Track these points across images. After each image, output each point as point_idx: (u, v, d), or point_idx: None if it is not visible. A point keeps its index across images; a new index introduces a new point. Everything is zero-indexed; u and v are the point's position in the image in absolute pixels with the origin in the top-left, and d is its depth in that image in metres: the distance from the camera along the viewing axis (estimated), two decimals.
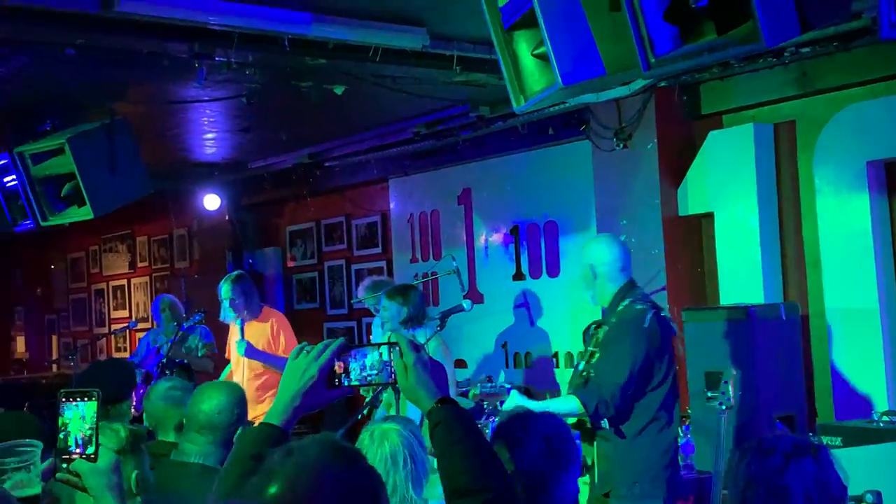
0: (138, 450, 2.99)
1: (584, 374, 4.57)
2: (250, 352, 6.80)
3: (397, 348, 2.28)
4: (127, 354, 12.13)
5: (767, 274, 6.38)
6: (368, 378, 2.30)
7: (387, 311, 6.11)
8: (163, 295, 8.70)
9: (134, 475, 2.92)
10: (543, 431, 2.58)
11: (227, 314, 7.01)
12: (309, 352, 2.30)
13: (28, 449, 2.27)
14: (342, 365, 2.29)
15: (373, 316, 7.54)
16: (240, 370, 7.01)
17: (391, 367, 2.28)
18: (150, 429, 4.17)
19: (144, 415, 4.30)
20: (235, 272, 7.32)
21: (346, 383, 2.29)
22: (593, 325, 4.76)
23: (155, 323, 8.60)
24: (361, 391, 7.28)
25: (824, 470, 2.44)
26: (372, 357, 2.30)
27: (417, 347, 2.30)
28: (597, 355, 4.57)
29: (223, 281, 7.05)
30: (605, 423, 4.44)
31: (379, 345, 2.30)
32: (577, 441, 2.78)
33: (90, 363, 11.25)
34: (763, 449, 2.50)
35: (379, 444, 3.08)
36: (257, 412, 6.69)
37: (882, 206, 6.00)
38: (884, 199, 6.02)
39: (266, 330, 7.07)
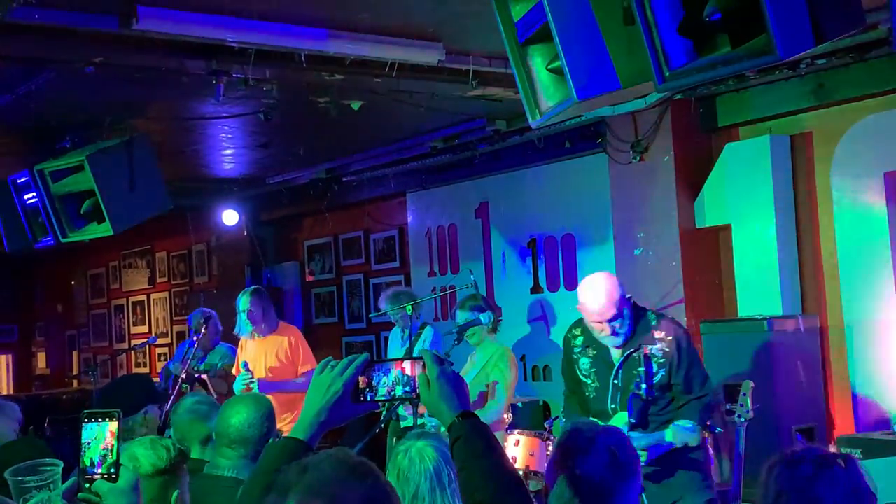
0: (181, 469, 3.02)
1: (646, 396, 4.66)
2: (264, 387, 6.73)
3: (421, 362, 2.30)
4: (146, 370, 12.20)
5: (785, 285, 6.36)
6: (393, 392, 2.32)
7: (458, 317, 6.36)
8: (201, 308, 8.68)
9: (175, 495, 2.95)
10: (609, 443, 2.59)
11: (242, 327, 7.02)
12: (333, 367, 2.32)
13: (48, 468, 2.29)
14: (366, 380, 2.31)
15: (391, 327, 7.56)
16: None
17: (415, 381, 2.30)
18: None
19: (171, 429, 4.32)
20: (253, 286, 7.36)
21: (370, 398, 2.31)
22: (629, 351, 4.73)
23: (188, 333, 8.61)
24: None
25: (854, 478, 2.45)
26: (396, 371, 2.32)
27: (441, 361, 2.32)
28: (661, 374, 4.64)
29: (242, 293, 7.08)
30: (718, 429, 4.71)
31: (402, 359, 2.33)
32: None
33: (111, 379, 11.33)
34: (791, 460, 2.50)
35: (420, 461, 3.06)
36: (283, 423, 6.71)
37: None
38: None
39: (284, 343, 7.07)
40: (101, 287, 13.84)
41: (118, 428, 2.23)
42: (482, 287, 8.36)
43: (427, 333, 7.00)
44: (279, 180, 9.79)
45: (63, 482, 2.31)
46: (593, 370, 4.86)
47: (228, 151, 8.54)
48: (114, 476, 2.21)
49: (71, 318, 14.52)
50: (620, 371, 4.73)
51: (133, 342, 12.50)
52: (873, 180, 5.96)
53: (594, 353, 4.85)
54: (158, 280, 12.59)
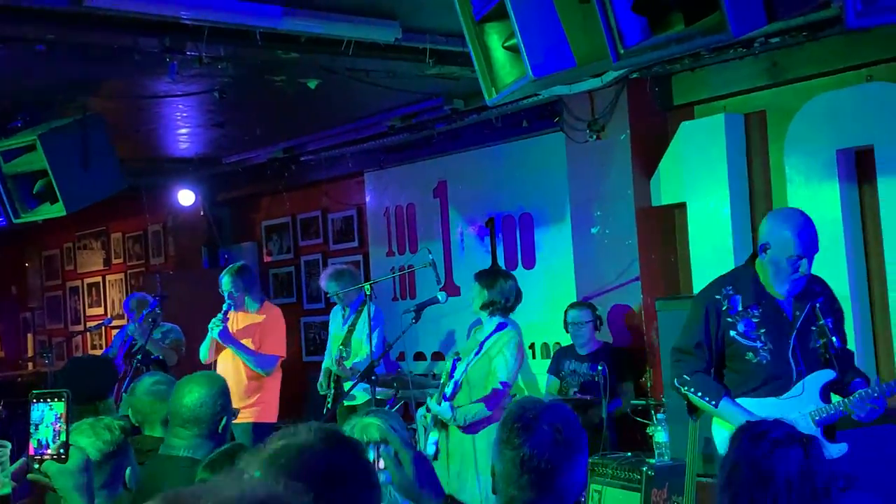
0: (128, 445, 3.01)
1: (839, 349, 4.28)
2: (224, 335, 6.79)
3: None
4: (102, 351, 12.08)
5: (739, 262, 6.40)
6: None
7: (471, 292, 5.86)
8: (133, 294, 8.68)
9: (128, 471, 2.94)
10: (553, 420, 2.60)
11: (224, 308, 7.03)
12: None
13: None
14: None
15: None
16: (228, 366, 7.00)
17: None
18: (136, 424, 4.17)
19: (130, 410, 4.29)
20: (238, 264, 7.27)
21: None
22: (810, 302, 4.29)
23: (127, 318, 8.59)
24: (321, 390, 7.32)
25: (812, 461, 2.49)
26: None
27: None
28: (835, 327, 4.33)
29: (224, 272, 7.04)
30: None
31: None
32: None
33: (68, 360, 11.20)
34: (755, 434, 2.57)
35: (363, 437, 3.07)
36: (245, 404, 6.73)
37: (852, 194, 6.07)
38: (853, 187, 6.08)
39: (257, 318, 7.09)
40: (55, 268, 13.68)
41: (67, 408, 2.22)
42: (441, 267, 8.37)
43: (367, 309, 6.96)
44: (236, 160, 9.72)
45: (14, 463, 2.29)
46: (762, 330, 4.24)
47: (184, 130, 8.46)
48: (63, 456, 2.20)
49: (25, 299, 14.34)
50: (798, 326, 4.24)
51: (88, 324, 12.36)
52: (826, 157, 6.03)
53: (760, 310, 4.26)
54: (114, 261, 12.47)
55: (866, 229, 6.09)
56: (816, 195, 6.10)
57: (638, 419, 6.16)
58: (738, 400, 4.25)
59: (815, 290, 4.32)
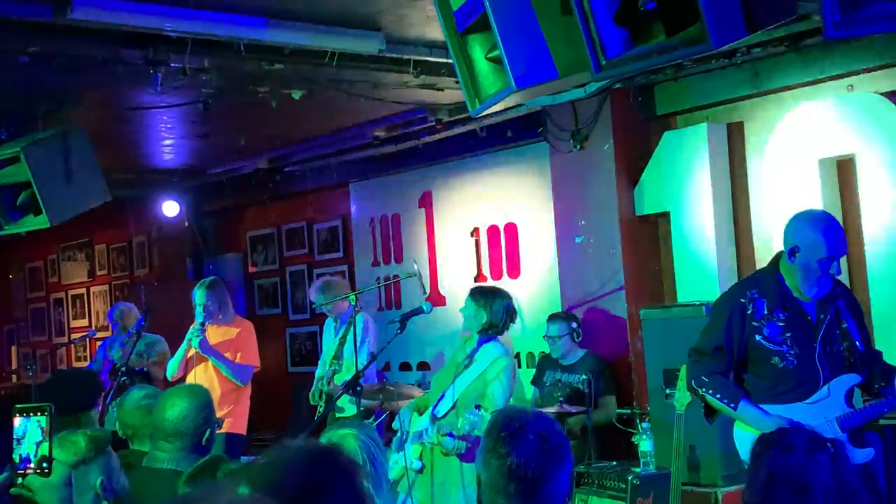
0: (102, 454, 2.99)
1: (862, 352, 4.27)
2: (204, 346, 6.77)
3: None
4: (87, 363, 12.04)
5: (723, 271, 6.46)
6: None
7: (465, 310, 5.66)
8: (118, 303, 8.65)
9: (98, 482, 2.92)
10: (538, 429, 2.62)
11: (198, 319, 7.00)
12: None
13: None
14: None
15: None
16: (201, 380, 6.96)
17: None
18: (124, 438, 4.15)
19: (118, 424, 4.27)
20: (210, 278, 7.26)
21: None
22: (833, 305, 4.25)
23: (112, 331, 8.57)
24: (311, 400, 7.30)
25: (841, 463, 2.50)
26: None
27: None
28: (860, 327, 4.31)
29: (197, 286, 7.01)
30: None
31: None
32: None
33: (52, 373, 11.16)
34: (783, 445, 2.54)
35: None
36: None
37: (834, 204, 6.09)
38: (835, 196, 6.11)
39: (232, 333, 7.06)
40: (39, 280, 13.62)
41: (49, 422, 2.21)
42: (426, 277, 8.38)
43: (359, 321, 6.95)
44: (220, 171, 9.71)
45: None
46: (788, 335, 4.20)
47: (168, 142, 8.45)
48: (46, 470, 2.20)
49: (9, 311, 14.27)
50: (823, 329, 4.19)
51: (73, 336, 12.32)
52: (808, 167, 6.07)
53: (786, 314, 4.21)
54: (98, 273, 12.42)
55: (848, 239, 6.11)
56: (798, 204, 6.12)
57: (623, 428, 6.17)
58: (763, 405, 4.20)
59: (836, 292, 4.29)
